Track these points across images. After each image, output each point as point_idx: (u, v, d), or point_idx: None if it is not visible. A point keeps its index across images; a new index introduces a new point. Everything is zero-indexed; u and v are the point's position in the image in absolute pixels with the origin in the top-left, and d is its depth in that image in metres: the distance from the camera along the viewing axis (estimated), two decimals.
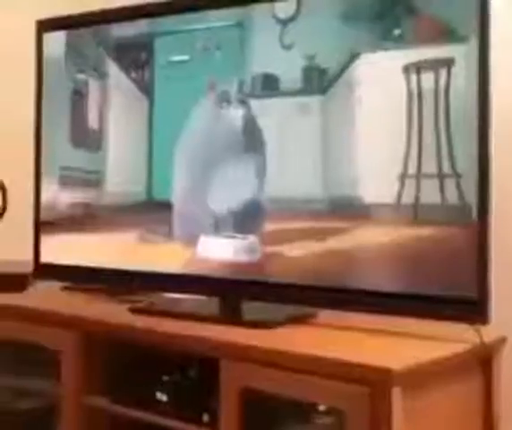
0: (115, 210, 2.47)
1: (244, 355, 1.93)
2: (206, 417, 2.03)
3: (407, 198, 1.94)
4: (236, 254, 2.21)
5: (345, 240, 2.02)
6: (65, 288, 2.68)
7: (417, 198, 1.93)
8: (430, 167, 1.91)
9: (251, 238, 2.19)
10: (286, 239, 2.12)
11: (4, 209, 3.03)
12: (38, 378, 2.46)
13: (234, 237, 2.22)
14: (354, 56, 2.00)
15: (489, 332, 1.90)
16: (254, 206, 2.18)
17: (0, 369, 2.56)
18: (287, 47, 2.10)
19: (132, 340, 2.17)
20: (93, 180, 2.51)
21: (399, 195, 1.94)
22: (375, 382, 1.70)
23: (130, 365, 2.23)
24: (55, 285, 2.68)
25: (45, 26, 2.60)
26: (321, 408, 1.92)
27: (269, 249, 2.15)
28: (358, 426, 1.73)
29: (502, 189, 1.96)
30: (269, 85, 2.15)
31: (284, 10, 2.10)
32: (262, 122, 2.16)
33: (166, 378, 2.14)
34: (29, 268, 2.67)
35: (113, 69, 2.49)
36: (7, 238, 2.91)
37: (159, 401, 2.14)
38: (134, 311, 2.30)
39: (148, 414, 2.14)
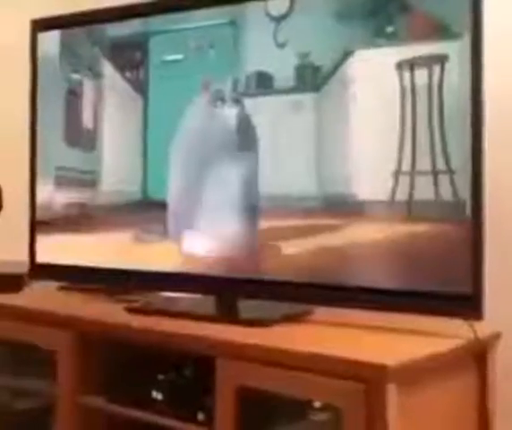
0: (110, 210, 2.47)
1: (241, 353, 1.93)
2: (201, 416, 2.03)
3: (401, 195, 1.94)
4: (232, 252, 2.21)
5: (340, 237, 2.03)
6: (61, 288, 2.68)
7: (411, 195, 1.93)
8: (423, 163, 1.92)
9: (247, 236, 2.19)
10: (282, 237, 2.12)
11: (0, 209, 3.03)
12: (35, 378, 2.46)
13: (229, 236, 2.23)
14: (347, 54, 2.00)
15: (483, 328, 1.91)
16: (249, 204, 2.18)
17: None
18: (281, 45, 2.10)
19: (128, 340, 2.17)
20: (88, 180, 2.51)
21: (393, 192, 1.94)
22: (370, 379, 1.71)
23: (126, 365, 2.23)
24: (52, 285, 2.68)
25: (39, 25, 2.60)
26: (317, 405, 1.93)
27: (265, 247, 2.16)
28: (354, 423, 1.73)
29: (496, 185, 1.96)
30: (263, 83, 2.16)
31: (277, 7, 2.10)
32: (256, 120, 2.16)
33: (161, 377, 2.14)
34: (25, 268, 2.67)
35: (107, 69, 2.49)
36: (3, 238, 2.91)
37: (155, 400, 2.14)
38: (130, 310, 2.30)
39: (144, 413, 2.14)
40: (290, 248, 2.11)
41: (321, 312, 2.12)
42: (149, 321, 2.18)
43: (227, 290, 2.22)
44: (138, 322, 2.18)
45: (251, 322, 2.07)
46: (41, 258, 2.60)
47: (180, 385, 2.11)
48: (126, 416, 2.18)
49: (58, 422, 2.32)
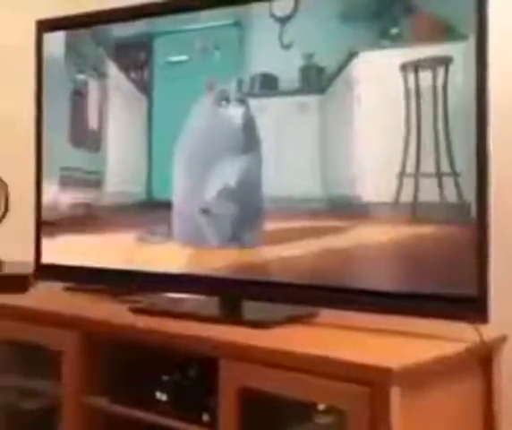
0: (115, 211, 2.47)
1: (244, 354, 1.92)
2: (206, 417, 2.02)
3: (406, 196, 1.93)
4: (235, 254, 2.21)
5: (344, 239, 2.02)
6: (67, 289, 2.68)
7: (416, 196, 1.92)
8: (428, 165, 1.91)
9: (251, 237, 2.19)
10: (286, 238, 2.12)
11: (6, 210, 3.03)
12: (41, 378, 2.46)
13: (233, 236, 2.22)
14: (352, 55, 2.00)
15: (488, 331, 1.89)
16: (253, 205, 2.17)
17: (4, 369, 2.56)
18: (286, 46, 2.09)
19: (133, 340, 2.17)
20: (93, 180, 2.51)
21: (398, 194, 1.93)
22: (374, 382, 1.70)
23: (130, 365, 2.23)
24: (57, 285, 2.68)
25: (45, 26, 2.60)
26: (321, 407, 1.92)
27: (269, 248, 2.15)
28: (358, 426, 1.72)
29: (501, 186, 1.95)
30: (268, 84, 2.15)
31: (281, 8, 2.10)
32: (261, 121, 2.15)
33: (166, 378, 2.14)
34: (31, 269, 2.67)
35: (112, 69, 2.48)
36: (9, 239, 2.91)
37: (159, 401, 2.13)
38: (135, 311, 2.29)
39: (148, 414, 2.14)
40: (294, 250, 2.11)
41: (326, 314, 2.11)
42: (154, 321, 2.18)
43: (231, 291, 2.21)
44: (142, 322, 2.18)
45: (254, 324, 2.07)
46: (46, 259, 2.60)
47: (184, 386, 2.11)
48: (130, 416, 2.18)
49: (63, 422, 2.33)
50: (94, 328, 2.26)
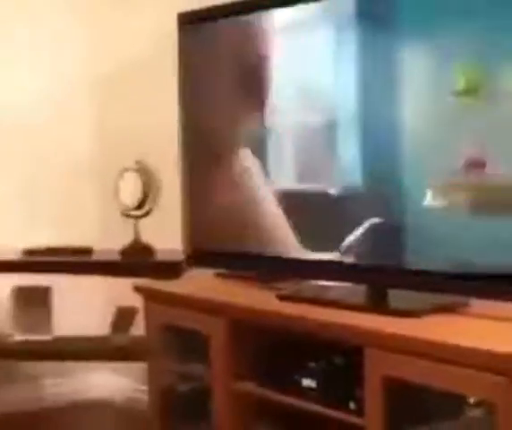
0: None
1: (389, 343, 1.90)
2: (352, 405, 2.02)
3: None
4: (380, 242, 2.16)
5: None
6: (218, 275, 2.71)
7: None
8: None
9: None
10: None
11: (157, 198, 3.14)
12: (195, 362, 2.52)
13: (376, 225, 2.18)
14: None
15: None
16: None
17: (161, 353, 2.64)
18: None
19: (279, 327, 2.19)
20: None
21: None
22: None
23: (276, 351, 2.25)
24: (209, 272, 2.71)
25: (186, 19, 2.59)
26: (471, 400, 1.86)
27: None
28: (509, 420, 1.66)
29: None
30: None
31: None
32: None
33: (312, 365, 2.15)
34: (183, 256, 2.72)
35: None
36: (162, 227, 3.01)
37: (306, 387, 2.14)
38: (281, 298, 2.30)
39: (295, 399, 2.15)
40: None
41: (478, 304, 2.02)
42: (300, 308, 2.18)
43: (378, 280, 2.17)
44: (289, 309, 2.19)
45: (402, 313, 2.03)
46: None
47: (331, 373, 2.11)
48: (276, 401, 2.20)
49: (214, 404, 2.38)
50: (241, 314, 2.29)
